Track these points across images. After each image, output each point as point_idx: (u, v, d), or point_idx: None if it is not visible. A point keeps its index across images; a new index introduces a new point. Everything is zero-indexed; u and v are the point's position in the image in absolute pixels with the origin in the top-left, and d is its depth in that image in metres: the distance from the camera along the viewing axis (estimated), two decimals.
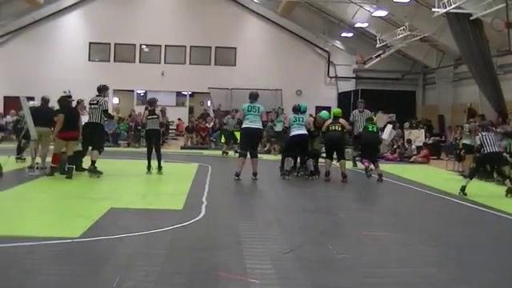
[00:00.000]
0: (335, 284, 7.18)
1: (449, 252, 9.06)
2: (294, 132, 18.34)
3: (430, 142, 30.07)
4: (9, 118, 31.76)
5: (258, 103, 18.32)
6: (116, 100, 40.48)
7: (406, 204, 14.85)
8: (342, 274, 7.58)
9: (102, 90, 17.99)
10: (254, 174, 17.94)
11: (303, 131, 18.32)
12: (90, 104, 17.56)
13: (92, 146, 17.46)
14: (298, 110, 19.02)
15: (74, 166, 16.90)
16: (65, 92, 17.76)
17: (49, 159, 17.20)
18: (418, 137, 28.93)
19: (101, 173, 17.19)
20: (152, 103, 19.91)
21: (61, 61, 39.78)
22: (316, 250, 8.76)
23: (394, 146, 29.06)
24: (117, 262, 7.71)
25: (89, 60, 41.09)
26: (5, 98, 38.89)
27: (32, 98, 18.80)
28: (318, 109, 38.35)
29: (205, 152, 28.28)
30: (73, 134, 16.76)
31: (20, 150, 20.27)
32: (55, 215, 11.05)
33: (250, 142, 18.11)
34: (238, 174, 17.69)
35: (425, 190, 16.88)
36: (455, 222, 12.15)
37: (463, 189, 15.95)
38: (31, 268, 7.28)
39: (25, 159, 19.71)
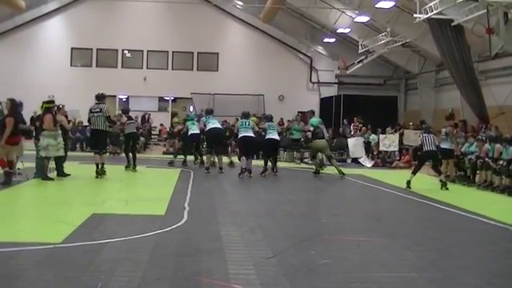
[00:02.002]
0: None
1: (431, 256, 9.09)
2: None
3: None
4: None
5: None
6: None
7: (388, 209, 14.92)
8: (325, 279, 7.58)
9: (102, 97, 19.02)
10: (220, 168, 21.46)
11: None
12: (93, 112, 18.57)
13: (98, 151, 18.62)
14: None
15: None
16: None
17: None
18: (393, 141, 28.99)
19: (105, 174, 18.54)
20: (127, 111, 20.93)
21: (43, 66, 39.57)
22: (299, 256, 8.77)
23: (375, 153, 29.26)
24: (99, 267, 7.68)
25: (71, 65, 40.91)
26: None
27: None
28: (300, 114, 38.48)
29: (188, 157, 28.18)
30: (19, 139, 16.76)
31: None
32: (37, 221, 11.01)
33: (215, 140, 21.81)
34: (207, 168, 21.50)
35: (406, 195, 16.97)
36: (437, 227, 12.18)
37: (408, 183, 18.34)
38: (13, 274, 7.25)
39: None
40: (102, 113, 18.48)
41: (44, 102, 17.75)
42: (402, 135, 29.22)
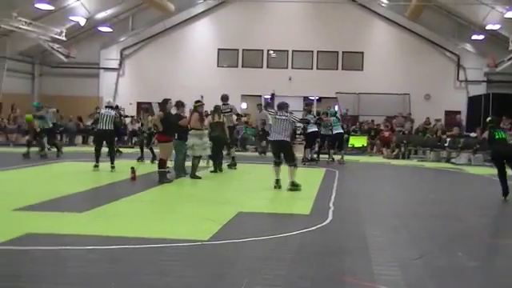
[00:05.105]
0: None
1: None
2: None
3: None
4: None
5: None
6: (244, 105, 40.88)
7: None
8: (473, 282, 7.40)
9: (227, 98, 20.55)
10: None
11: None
12: (223, 112, 19.66)
13: (230, 145, 20.59)
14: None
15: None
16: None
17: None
18: None
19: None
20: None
21: (190, 67, 40.59)
22: (445, 257, 8.58)
23: None
24: (244, 265, 7.79)
25: (217, 66, 41.75)
26: (138, 103, 40.06)
27: None
28: (448, 113, 37.66)
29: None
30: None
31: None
32: (184, 218, 11.29)
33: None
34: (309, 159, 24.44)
35: None
36: None
37: None
38: (161, 269, 7.47)
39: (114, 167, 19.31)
40: (232, 112, 20.50)
41: (196, 101, 18.40)
42: None
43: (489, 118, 16.73)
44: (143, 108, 23.78)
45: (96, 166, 19.19)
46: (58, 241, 8.84)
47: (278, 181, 15.86)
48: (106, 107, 20.01)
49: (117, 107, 23.36)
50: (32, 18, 34.15)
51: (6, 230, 9.39)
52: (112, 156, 19.58)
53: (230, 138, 20.14)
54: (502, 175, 15.13)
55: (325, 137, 25.84)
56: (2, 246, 8.36)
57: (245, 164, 22.27)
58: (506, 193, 15.01)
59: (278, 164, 16.02)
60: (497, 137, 15.66)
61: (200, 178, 17.51)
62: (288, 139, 16.03)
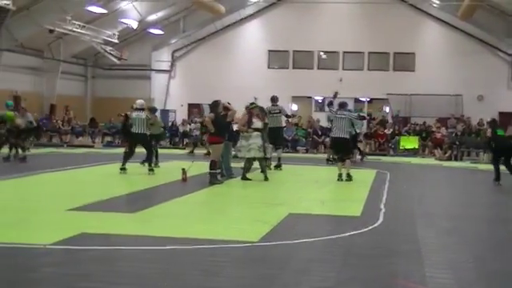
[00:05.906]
0: None
1: None
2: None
3: None
4: (193, 126, 32.83)
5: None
6: (295, 107, 40.83)
7: None
8: None
9: (277, 100, 20.91)
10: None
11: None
12: (272, 113, 20.07)
13: (277, 145, 20.50)
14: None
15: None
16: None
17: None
18: None
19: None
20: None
21: (241, 68, 40.69)
22: (498, 261, 8.47)
23: None
24: (294, 266, 7.80)
25: (268, 67, 41.76)
26: (189, 105, 40.36)
27: None
28: (501, 115, 37.10)
29: (383, 158, 27.94)
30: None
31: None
32: (235, 219, 11.34)
33: None
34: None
35: None
36: None
37: None
38: (212, 270, 7.52)
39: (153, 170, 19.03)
40: (281, 113, 20.86)
41: (251, 104, 18.42)
42: None
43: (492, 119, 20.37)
44: (149, 108, 22.76)
45: (122, 169, 18.64)
46: (111, 241, 8.97)
47: (340, 175, 17.70)
48: (137, 109, 19.18)
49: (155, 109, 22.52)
50: (85, 21, 34.64)
51: (60, 229, 9.54)
52: (149, 158, 19.14)
53: (277, 138, 20.27)
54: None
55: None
56: (58, 246, 8.50)
57: (295, 165, 22.25)
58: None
59: (340, 160, 18.10)
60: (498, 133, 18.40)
61: (250, 179, 17.51)
62: (347, 136, 17.95)
